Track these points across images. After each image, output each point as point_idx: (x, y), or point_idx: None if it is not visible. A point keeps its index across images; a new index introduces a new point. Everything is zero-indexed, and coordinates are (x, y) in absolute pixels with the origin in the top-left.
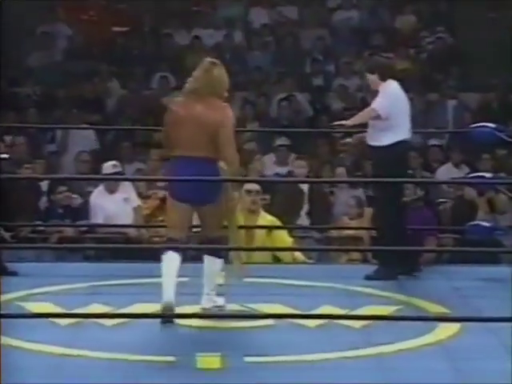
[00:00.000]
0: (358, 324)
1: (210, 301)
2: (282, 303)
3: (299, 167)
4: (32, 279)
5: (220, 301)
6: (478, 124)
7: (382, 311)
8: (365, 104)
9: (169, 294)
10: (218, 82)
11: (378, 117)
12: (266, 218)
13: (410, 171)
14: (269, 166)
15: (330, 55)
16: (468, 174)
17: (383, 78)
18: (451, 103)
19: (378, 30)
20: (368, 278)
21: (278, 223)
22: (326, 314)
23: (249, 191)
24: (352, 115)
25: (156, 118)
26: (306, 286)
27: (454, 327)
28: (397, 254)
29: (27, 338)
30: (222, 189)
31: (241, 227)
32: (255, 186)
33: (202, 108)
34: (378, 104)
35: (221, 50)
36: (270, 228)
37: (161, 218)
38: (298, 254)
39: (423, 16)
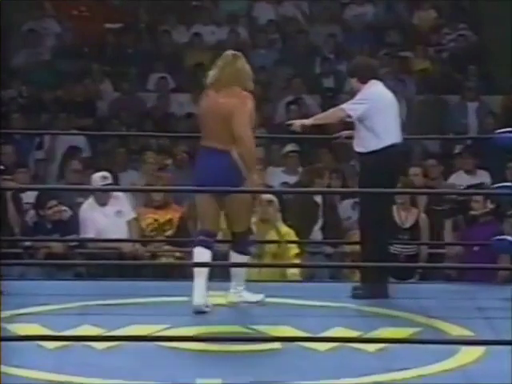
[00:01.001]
0: (372, 348)
1: (238, 296)
2: (290, 325)
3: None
4: (18, 298)
5: (251, 297)
6: (503, 129)
7: (399, 334)
8: None
9: (199, 296)
10: (241, 72)
11: (348, 117)
12: (282, 229)
13: (398, 179)
14: (276, 174)
15: (342, 54)
16: (492, 183)
17: (363, 81)
18: (473, 106)
19: (394, 26)
20: (355, 296)
21: (293, 234)
22: (337, 336)
23: (260, 201)
24: None
25: (153, 122)
26: (315, 305)
27: (478, 351)
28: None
29: (12, 362)
30: (240, 180)
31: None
32: (267, 197)
33: (222, 97)
34: (348, 104)
35: (223, 48)
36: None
37: (169, 233)
38: (293, 271)
39: (444, 11)
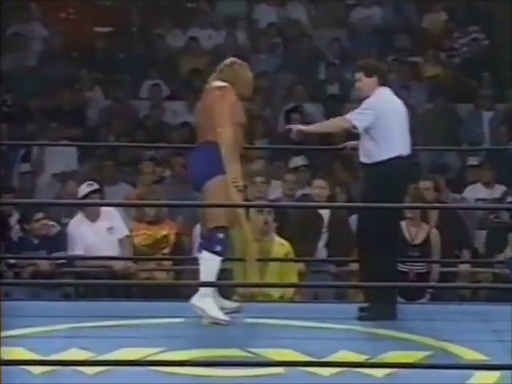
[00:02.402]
0: (380, 373)
1: (201, 300)
2: (292, 348)
3: (317, 188)
4: (2, 320)
5: (212, 307)
6: None
7: (409, 358)
8: None
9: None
10: (237, 77)
11: (353, 129)
12: (281, 243)
13: (405, 192)
14: (276, 187)
15: (347, 59)
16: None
17: (369, 75)
18: (487, 115)
19: (403, 29)
20: (361, 318)
21: (292, 252)
22: (343, 361)
23: (259, 210)
24: None
25: (146, 132)
26: (319, 327)
27: (493, 376)
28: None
29: None
30: (218, 172)
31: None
32: (262, 216)
33: (209, 95)
34: (353, 114)
35: (221, 53)
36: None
37: (166, 251)
38: (288, 290)
39: (455, 14)
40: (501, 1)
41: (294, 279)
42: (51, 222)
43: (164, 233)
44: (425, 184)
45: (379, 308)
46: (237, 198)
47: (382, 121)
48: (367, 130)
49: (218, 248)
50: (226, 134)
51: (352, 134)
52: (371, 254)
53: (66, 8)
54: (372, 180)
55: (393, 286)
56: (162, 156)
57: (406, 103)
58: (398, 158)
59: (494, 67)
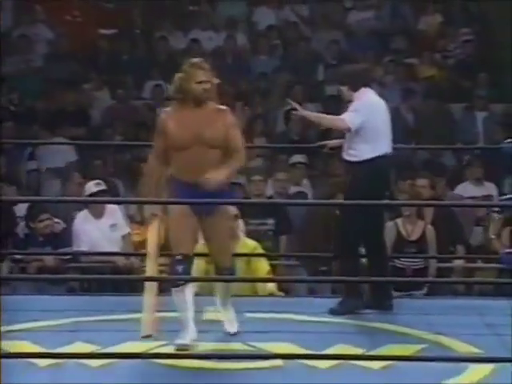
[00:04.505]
0: (377, 365)
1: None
2: (291, 341)
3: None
4: (8, 314)
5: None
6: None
7: (404, 351)
8: (393, 115)
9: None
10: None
11: (347, 130)
12: (247, 244)
13: (387, 191)
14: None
15: (345, 60)
16: (500, 194)
17: (354, 89)
18: (481, 115)
19: (399, 31)
20: (332, 312)
21: (260, 249)
22: (340, 354)
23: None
24: None
25: (148, 131)
26: (317, 321)
27: (486, 369)
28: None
29: (3, 380)
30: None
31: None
32: (233, 210)
33: None
34: (348, 116)
35: (221, 54)
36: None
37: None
38: (272, 287)
39: (450, 17)
40: (494, 3)
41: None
42: (56, 220)
43: None
44: (421, 182)
45: (349, 303)
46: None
47: (370, 120)
48: (356, 130)
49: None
50: (149, 160)
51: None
52: (352, 251)
53: (71, 10)
54: (357, 178)
55: (391, 280)
56: None
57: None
58: (384, 156)
59: (487, 68)
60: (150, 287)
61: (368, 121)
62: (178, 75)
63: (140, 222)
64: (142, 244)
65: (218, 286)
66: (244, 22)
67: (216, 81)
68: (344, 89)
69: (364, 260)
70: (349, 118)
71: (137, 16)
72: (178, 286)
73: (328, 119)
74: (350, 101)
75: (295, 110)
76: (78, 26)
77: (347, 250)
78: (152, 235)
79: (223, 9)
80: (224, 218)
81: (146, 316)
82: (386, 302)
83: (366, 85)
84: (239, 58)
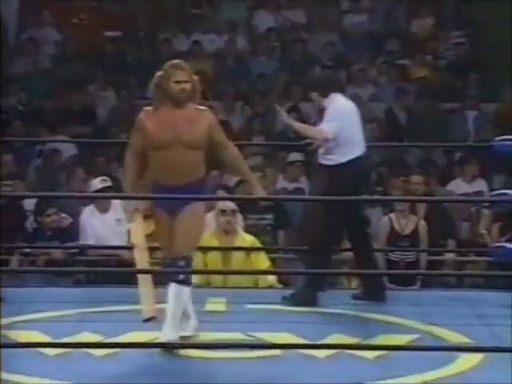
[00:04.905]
0: (371, 354)
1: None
2: (289, 331)
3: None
4: (18, 305)
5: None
6: (502, 137)
7: (398, 340)
8: (387, 115)
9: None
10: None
11: (326, 140)
12: (245, 239)
13: (364, 191)
14: (277, 181)
15: (341, 62)
16: (491, 190)
17: (324, 95)
18: (472, 114)
19: (392, 34)
20: (284, 300)
21: (258, 244)
22: (336, 343)
23: (223, 211)
24: (366, 128)
25: None
26: (314, 312)
27: (477, 358)
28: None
29: (12, 369)
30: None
31: (216, 248)
32: (230, 206)
33: None
34: (325, 126)
35: (223, 56)
36: (247, 249)
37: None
38: (272, 279)
39: (441, 20)
40: (484, 7)
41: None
42: (63, 215)
43: None
44: (416, 179)
45: (305, 294)
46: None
47: (345, 126)
48: (335, 136)
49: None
50: (123, 170)
51: None
52: (326, 246)
53: (78, 14)
54: (335, 181)
55: (385, 273)
56: None
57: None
58: (359, 157)
59: (477, 69)
60: (145, 278)
61: (343, 127)
62: (157, 74)
63: (146, 215)
64: (149, 237)
65: (171, 299)
66: (244, 25)
67: (197, 82)
68: (314, 95)
69: (351, 254)
70: (326, 129)
71: (141, 19)
72: (182, 280)
73: (307, 129)
74: (323, 107)
75: (280, 113)
76: (84, 28)
77: (321, 245)
78: (137, 229)
79: (224, 12)
80: (193, 212)
81: (146, 303)
82: (379, 293)
83: (337, 90)
84: (239, 60)
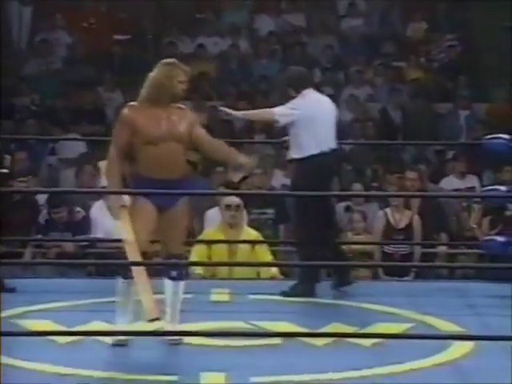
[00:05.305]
0: (368, 342)
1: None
2: (289, 321)
3: None
4: (30, 296)
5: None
6: (492, 135)
7: (394, 329)
8: (382, 114)
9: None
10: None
11: (274, 122)
12: (250, 234)
13: (330, 184)
14: (278, 178)
15: (339, 64)
16: (482, 186)
17: (298, 90)
18: (464, 113)
19: (388, 37)
20: (284, 294)
21: (261, 237)
22: (334, 332)
23: (228, 206)
24: (363, 127)
25: None
26: (313, 302)
27: (468, 346)
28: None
29: (25, 356)
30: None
31: (221, 242)
32: (235, 201)
33: None
34: (278, 109)
35: (225, 58)
36: (251, 243)
37: None
38: (274, 271)
39: (435, 24)
40: (476, 12)
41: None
42: (78, 208)
43: None
44: (411, 175)
45: (302, 287)
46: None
47: (307, 120)
48: (292, 128)
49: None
50: (107, 165)
51: None
52: (303, 239)
53: (88, 18)
54: (300, 174)
55: (381, 265)
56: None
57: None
58: (323, 153)
59: (469, 71)
60: (141, 274)
61: (302, 120)
62: (158, 72)
63: None
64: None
65: (169, 295)
66: (246, 29)
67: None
68: (290, 90)
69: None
70: (278, 112)
71: (148, 23)
72: (180, 277)
73: (255, 113)
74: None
75: (226, 113)
76: (93, 32)
77: (306, 238)
78: (126, 225)
79: (227, 16)
80: (183, 209)
81: (146, 300)
82: (345, 278)
83: (311, 86)
84: (242, 62)
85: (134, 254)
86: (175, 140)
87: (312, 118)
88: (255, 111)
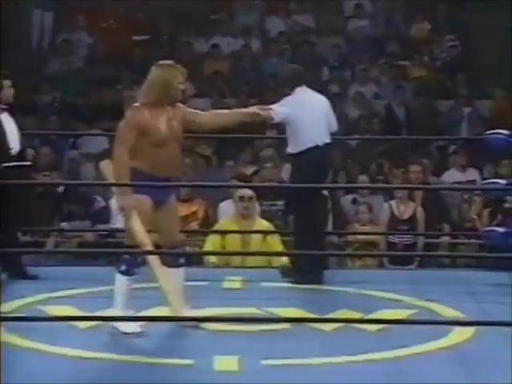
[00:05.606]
0: (374, 328)
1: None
2: (298, 307)
3: None
4: (53, 283)
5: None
6: (492, 131)
7: (398, 315)
8: (387, 110)
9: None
10: (150, 84)
11: (269, 119)
12: (262, 224)
13: (325, 176)
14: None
15: (345, 63)
16: (483, 179)
17: (292, 88)
18: (465, 110)
19: (392, 37)
20: (294, 281)
21: (273, 228)
22: (342, 317)
23: (241, 197)
24: (369, 123)
25: None
26: (321, 290)
27: (469, 331)
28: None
29: (47, 340)
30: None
31: (235, 232)
32: (248, 193)
33: None
34: (273, 106)
35: (238, 57)
36: (264, 233)
37: (195, 224)
38: (284, 259)
39: (437, 24)
40: (475, 14)
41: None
42: (99, 198)
43: (194, 209)
44: (414, 168)
45: (311, 275)
46: (134, 226)
47: (299, 115)
48: (286, 124)
49: (123, 268)
50: (115, 167)
51: None
52: (300, 229)
53: (107, 19)
54: (295, 168)
55: (385, 254)
56: (188, 145)
57: (395, 100)
58: (316, 147)
59: (469, 70)
60: (164, 275)
61: (296, 115)
62: (160, 73)
63: (181, 199)
64: (182, 219)
65: (180, 281)
66: (257, 29)
67: None
68: (286, 88)
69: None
70: (275, 109)
71: (164, 24)
72: (183, 264)
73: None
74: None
75: None
76: (113, 32)
77: (304, 230)
78: (139, 227)
79: (239, 18)
80: (175, 202)
81: (175, 302)
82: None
83: (303, 84)
84: (254, 61)
85: (154, 259)
86: (175, 140)
87: (303, 114)
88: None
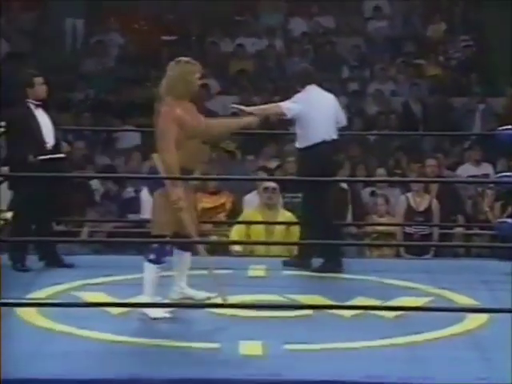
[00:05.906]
0: (391, 314)
1: (179, 293)
2: (320, 294)
3: None
4: (87, 271)
5: (194, 293)
6: (505, 127)
7: (415, 302)
8: (404, 107)
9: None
10: (172, 80)
11: (282, 115)
12: (285, 215)
13: (332, 170)
14: None
15: (365, 62)
16: (496, 173)
17: (303, 86)
18: (478, 107)
19: (410, 37)
20: (315, 270)
21: (295, 218)
22: (361, 304)
23: (266, 188)
24: (387, 119)
25: None
26: (341, 278)
27: (482, 318)
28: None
29: (81, 325)
30: (157, 185)
31: (260, 222)
32: (272, 184)
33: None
34: (285, 103)
35: (262, 57)
36: (287, 224)
37: (222, 215)
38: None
39: (453, 25)
40: (489, 15)
41: None
42: (129, 189)
43: (222, 201)
44: (430, 162)
45: (329, 264)
46: (183, 215)
47: (308, 112)
48: (297, 119)
49: (152, 257)
50: (167, 159)
51: None
52: (311, 220)
53: (138, 21)
54: (302, 162)
55: (402, 244)
56: (212, 141)
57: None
58: (323, 142)
59: (483, 68)
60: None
61: (305, 112)
62: (181, 69)
63: (209, 191)
64: (211, 211)
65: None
66: (281, 30)
67: None
68: (298, 85)
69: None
70: (285, 105)
71: (192, 25)
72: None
73: (267, 108)
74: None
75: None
76: (144, 33)
77: (317, 221)
78: (189, 218)
79: (264, 19)
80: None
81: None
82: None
83: (314, 82)
84: (277, 60)
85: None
86: (200, 134)
87: (312, 111)
88: (265, 106)
